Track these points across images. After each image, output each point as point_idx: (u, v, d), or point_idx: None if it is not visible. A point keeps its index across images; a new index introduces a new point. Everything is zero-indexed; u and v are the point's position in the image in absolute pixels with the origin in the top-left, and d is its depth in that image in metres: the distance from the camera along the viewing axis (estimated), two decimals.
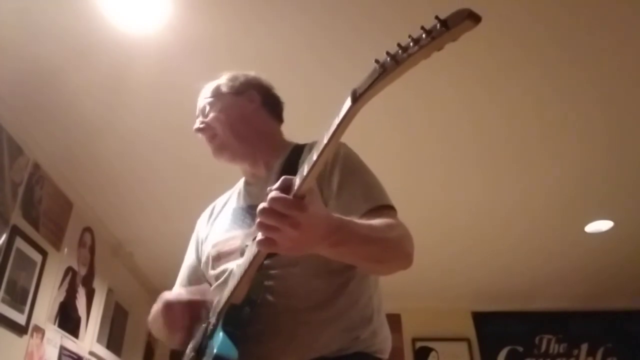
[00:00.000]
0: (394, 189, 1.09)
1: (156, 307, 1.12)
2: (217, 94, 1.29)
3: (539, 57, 2.11)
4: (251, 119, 1.26)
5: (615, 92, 2.29)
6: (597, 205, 3.15)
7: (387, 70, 0.61)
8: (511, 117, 2.44)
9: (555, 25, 1.97)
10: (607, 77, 2.21)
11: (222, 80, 1.31)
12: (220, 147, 1.25)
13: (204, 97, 1.31)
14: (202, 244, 1.29)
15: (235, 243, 1.13)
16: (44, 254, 2.63)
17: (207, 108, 1.27)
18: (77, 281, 3.03)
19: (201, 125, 1.26)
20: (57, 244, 2.79)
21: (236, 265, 1.02)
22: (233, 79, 1.31)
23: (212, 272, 1.18)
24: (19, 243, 2.42)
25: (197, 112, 1.31)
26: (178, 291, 1.18)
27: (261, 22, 1.97)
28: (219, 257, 1.16)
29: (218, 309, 1.05)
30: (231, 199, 1.30)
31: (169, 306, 1.08)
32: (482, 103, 2.36)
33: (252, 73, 1.35)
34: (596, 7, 1.89)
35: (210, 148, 1.27)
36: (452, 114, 2.42)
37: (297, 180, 0.75)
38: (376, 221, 0.95)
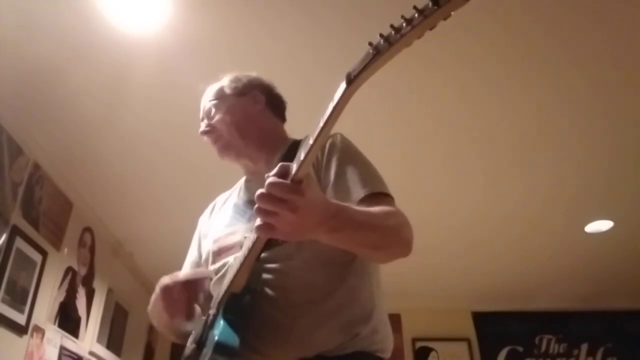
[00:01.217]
0: (394, 189, 1.09)
1: (155, 294, 1.13)
2: (220, 96, 1.30)
3: (540, 58, 2.11)
4: (256, 119, 1.27)
5: (615, 92, 2.29)
6: (597, 205, 3.15)
7: (381, 51, 0.61)
8: (511, 117, 2.44)
9: (557, 25, 1.97)
10: (608, 77, 2.21)
11: (225, 82, 1.32)
12: (226, 147, 1.25)
13: (208, 100, 1.31)
14: (203, 240, 1.30)
15: (236, 237, 1.13)
16: (44, 254, 2.63)
17: (213, 110, 1.28)
18: (77, 281, 3.03)
19: (207, 128, 1.27)
20: (57, 244, 2.79)
21: (234, 258, 1.02)
22: (236, 80, 1.32)
23: (212, 267, 1.18)
24: (19, 243, 2.42)
25: (202, 114, 1.32)
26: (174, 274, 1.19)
27: (261, 22, 1.97)
28: (220, 252, 1.17)
29: (218, 300, 1.05)
30: (232, 195, 1.31)
31: (166, 289, 1.09)
32: (482, 104, 2.36)
33: (253, 74, 1.35)
34: (598, 6, 1.89)
35: (216, 149, 1.28)
36: (453, 114, 2.42)
37: (294, 166, 0.75)
38: (375, 208, 0.95)
